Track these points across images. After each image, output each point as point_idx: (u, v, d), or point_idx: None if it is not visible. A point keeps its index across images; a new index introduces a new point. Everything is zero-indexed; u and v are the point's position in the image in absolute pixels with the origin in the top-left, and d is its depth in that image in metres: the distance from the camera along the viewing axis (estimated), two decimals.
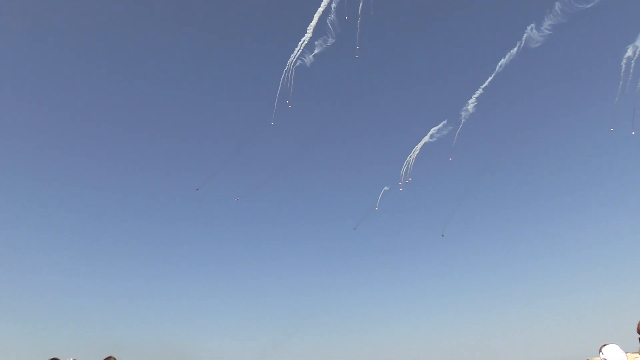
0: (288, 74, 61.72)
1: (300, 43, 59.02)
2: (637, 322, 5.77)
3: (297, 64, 60.69)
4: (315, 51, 60.49)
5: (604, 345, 5.39)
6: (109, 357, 6.13)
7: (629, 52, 56.06)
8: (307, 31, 57.41)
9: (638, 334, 5.41)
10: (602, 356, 5.75)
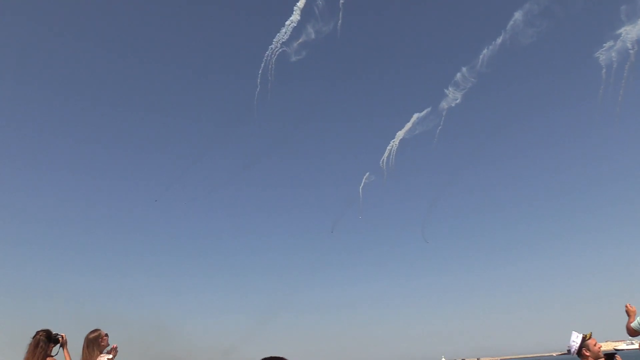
0: (269, 58, 61.04)
1: (285, 27, 58.36)
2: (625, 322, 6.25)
3: (280, 49, 60.16)
4: (300, 37, 60.01)
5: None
6: (96, 330, 6.43)
7: (611, 43, 56.82)
8: (294, 12, 56.78)
9: (630, 336, 5.94)
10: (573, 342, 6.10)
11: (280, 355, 2.19)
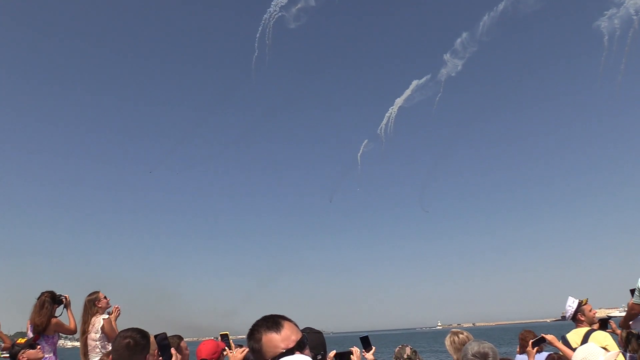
0: (267, 22, 59.36)
1: None
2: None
3: (278, 13, 58.45)
4: (299, 3, 58.19)
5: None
6: (94, 292, 6.40)
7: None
8: None
9: (624, 329, 5.94)
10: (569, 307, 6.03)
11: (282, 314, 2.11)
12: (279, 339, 1.99)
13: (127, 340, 2.86)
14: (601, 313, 6.53)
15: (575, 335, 5.64)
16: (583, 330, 5.67)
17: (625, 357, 5.50)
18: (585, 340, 5.33)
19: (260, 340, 2.01)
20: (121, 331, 2.97)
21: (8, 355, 5.45)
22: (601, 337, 5.43)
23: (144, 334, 2.97)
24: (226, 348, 4.29)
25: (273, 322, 2.05)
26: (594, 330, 5.69)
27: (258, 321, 2.07)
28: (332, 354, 4.30)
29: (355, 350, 4.34)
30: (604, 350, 3.52)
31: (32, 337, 5.96)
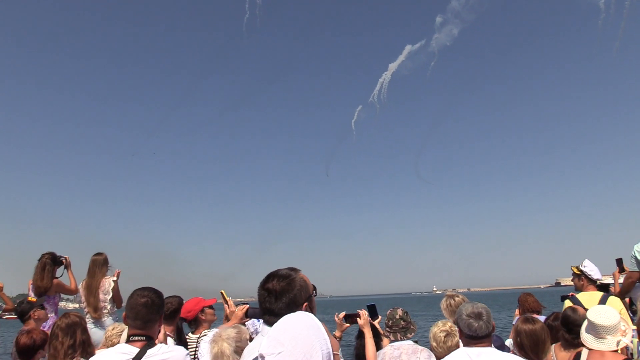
0: None
1: None
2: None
3: None
4: None
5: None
6: (101, 252, 6.54)
7: None
8: None
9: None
10: (585, 268, 5.66)
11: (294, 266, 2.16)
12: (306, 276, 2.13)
13: (145, 299, 2.85)
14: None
15: (589, 297, 5.38)
16: (597, 294, 5.44)
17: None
18: (603, 304, 5.05)
19: (301, 277, 2.07)
20: (137, 289, 2.97)
21: (15, 314, 5.51)
22: (617, 304, 5.23)
23: (159, 294, 2.97)
24: (224, 304, 4.30)
25: (291, 267, 2.15)
26: (610, 294, 5.53)
27: (279, 269, 2.11)
28: (342, 315, 4.56)
29: (363, 312, 4.49)
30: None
31: (41, 299, 6.02)
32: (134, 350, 2.76)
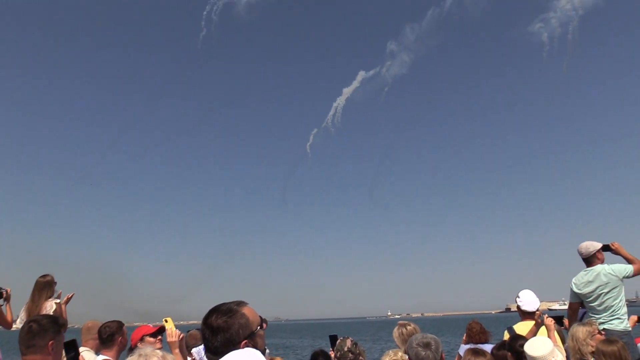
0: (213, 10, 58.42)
1: None
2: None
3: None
4: None
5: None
6: (47, 274, 6.12)
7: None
8: None
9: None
10: (518, 300, 5.86)
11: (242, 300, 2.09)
12: (253, 310, 2.05)
13: (27, 325, 3.01)
14: (542, 307, 6.76)
15: (523, 328, 5.47)
16: (529, 324, 5.49)
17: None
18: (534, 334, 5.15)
19: (242, 313, 1.97)
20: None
21: None
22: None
23: (44, 321, 3.04)
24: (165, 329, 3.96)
25: (237, 301, 2.07)
26: (561, 324, 5.51)
27: (223, 304, 2.04)
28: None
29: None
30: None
31: None
32: None
